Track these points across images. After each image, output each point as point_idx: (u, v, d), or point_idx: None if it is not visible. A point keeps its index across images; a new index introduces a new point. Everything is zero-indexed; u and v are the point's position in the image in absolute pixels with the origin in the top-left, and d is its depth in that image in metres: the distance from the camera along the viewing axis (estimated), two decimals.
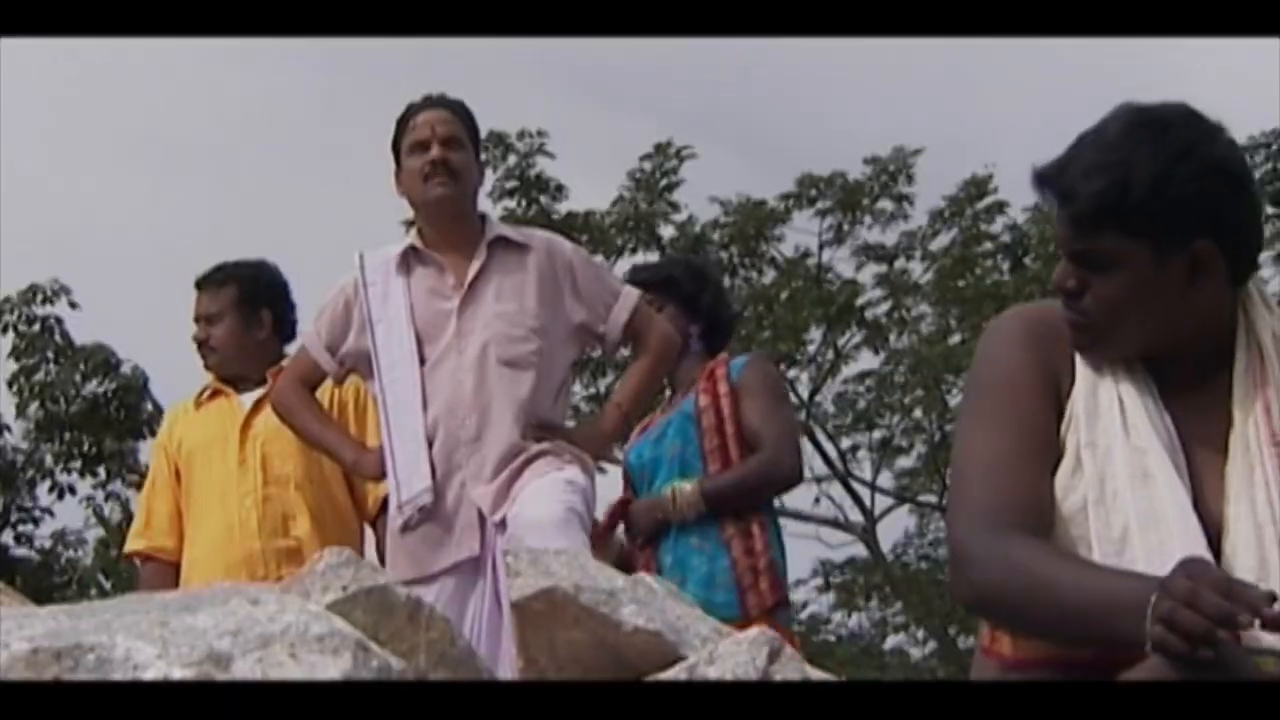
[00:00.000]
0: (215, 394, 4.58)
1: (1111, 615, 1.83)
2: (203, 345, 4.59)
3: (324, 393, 4.29)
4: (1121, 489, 2.01)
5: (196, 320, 4.61)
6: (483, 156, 4.27)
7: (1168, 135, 2.03)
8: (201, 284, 4.66)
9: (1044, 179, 2.09)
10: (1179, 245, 2.02)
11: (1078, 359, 2.12)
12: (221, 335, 4.58)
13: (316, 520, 4.36)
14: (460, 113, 4.09)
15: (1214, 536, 1.98)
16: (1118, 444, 2.03)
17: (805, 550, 18.12)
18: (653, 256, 15.74)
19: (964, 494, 2.07)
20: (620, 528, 4.44)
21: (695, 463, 4.32)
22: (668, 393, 4.61)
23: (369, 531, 4.49)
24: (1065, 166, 2.07)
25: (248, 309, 4.61)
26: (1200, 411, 2.07)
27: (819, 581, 19.57)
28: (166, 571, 4.44)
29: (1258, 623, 1.76)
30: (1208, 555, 1.92)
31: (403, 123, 4.08)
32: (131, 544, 4.60)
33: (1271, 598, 1.74)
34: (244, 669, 1.41)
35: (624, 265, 14.94)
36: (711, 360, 4.46)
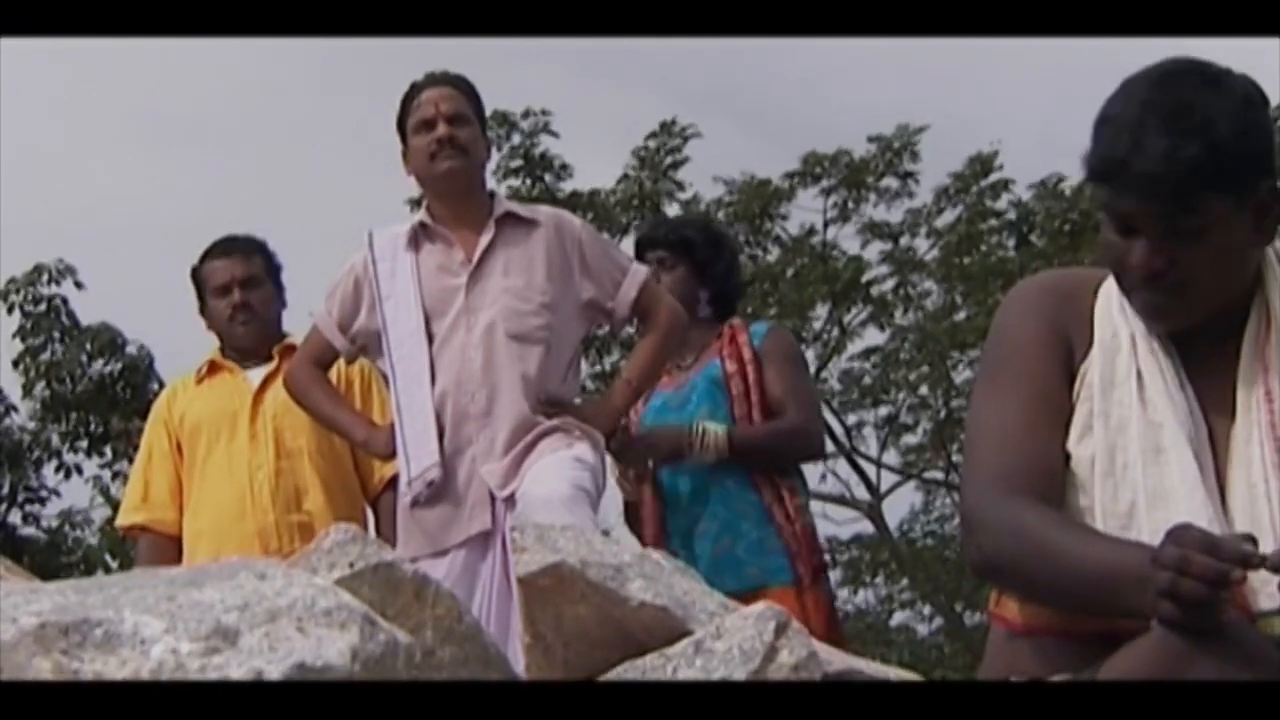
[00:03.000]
0: (216, 369, 4.55)
1: (1114, 585, 1.84)
2: (241, 309, 4.49)
3: (330, 371, 4.29)
4: (1133, 462, 2.01)
5: (227, 288, 4.50)
6: (488, 133, 4.27)
7: (1224, 87, 2.00)
8: (225, 250, 4.57)
9: (1115, 167, 2.00)
10: (1251, 192, 2.01)
11: (1096, 322, 2.12)
12: (263, 300, 4.55)
13: (329, 494, 4.36)
14: (465, 88, 4.09)
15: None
16: (1133, 416, 2.03)
17: None
18: None
19: (976, 459, 2.09)
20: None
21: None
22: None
23: (369, 512, 4.49)
24: (1136, 147, 1.98)
25: (274, 279, 4.61)
26: (1216, 374, 2.08)
27: (825, 558, 19.59)
28: (166, 544, 4.42)
29: (1259, 594, 1.76)
30: (1213, 530, 1.92)
31: (407, 101, 4.08)
32: (128, 517, 4.55)
33: (1250, 539, 1.76)
34: (251, 643, 1.41)
35: (629, 244, 14.95)
36: (721, 325, 4.43)
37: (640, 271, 4.09)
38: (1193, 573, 1.72)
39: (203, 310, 4.62)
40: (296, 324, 4.68)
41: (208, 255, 4.59)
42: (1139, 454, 2.01)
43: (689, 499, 4.27)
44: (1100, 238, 2.11)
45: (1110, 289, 2.14)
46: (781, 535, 4.20)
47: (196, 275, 4.61)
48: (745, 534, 4.19)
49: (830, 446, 17.44)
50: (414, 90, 4.08)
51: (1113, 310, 2.12)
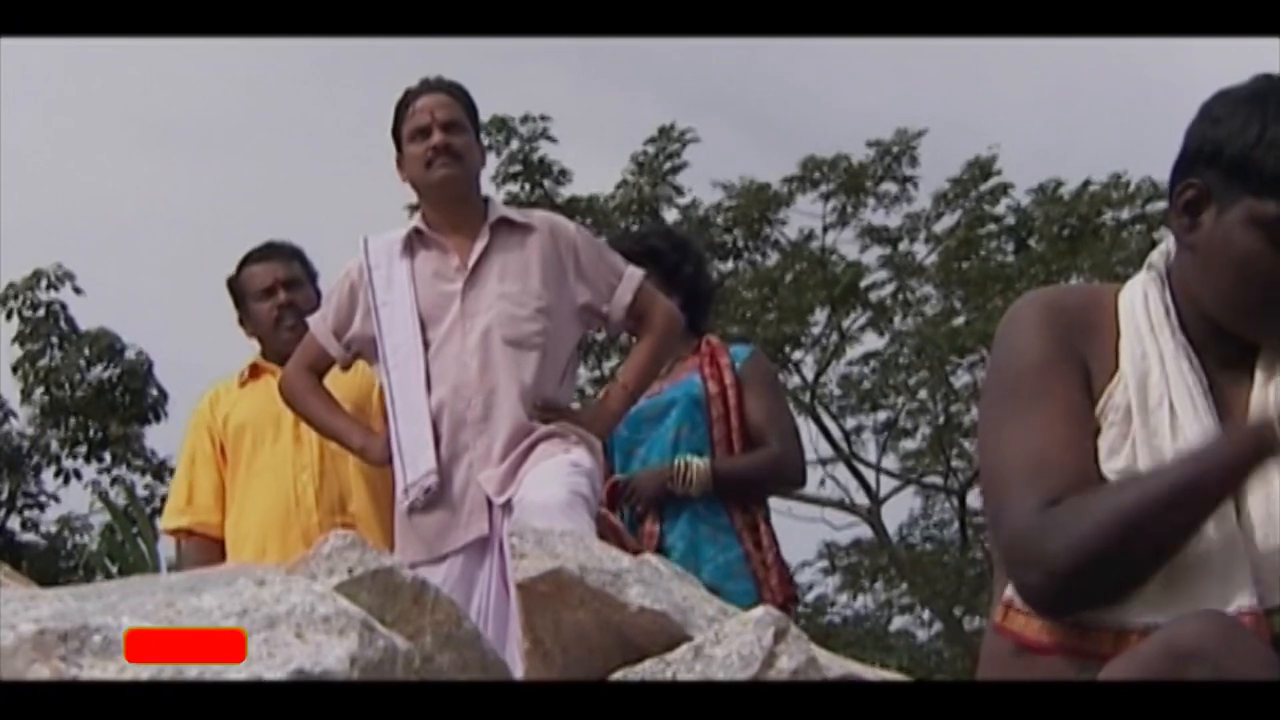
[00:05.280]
0: (258, 372, 4.54)
1: (1202, 469, 1.88)
2: (287, 310, 4.48)
3: (359, 379, 4.30)
4: None
5: (271, 290, 4.49)
6: (486, 141, 4.27)
7: None
8: (266, 255, 4.58)
9: None
10: None
11: (1123, 341, 2.06)
12: (308, 302, 4.51)
13: (373, 496, 4.33)
14: (459, 95, 4.09)
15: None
16: (1166, 446, 2.00)
17: (810, 532, 18.20)
18: None
19: (1012, 491, 2.00)
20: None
21: (703, 449, 4.29)
22: None
23: None
24: None
25: (313, 284, 4.60)
26: (1235, 378, 2.06)
27: (824, 563, 19.62)
28: (211, 548, 4.42)
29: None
30: (1245, 567, 1.91)
31: (402, 109, 4.07)
32: (174, 520, 4.53)
33: None
34: (250, 649, 1.41)
35: None
36: (698, 339, 4.42)
37: (635, 275, 4.07)
38: None
39: (241, 320, 4.62)
40: None
41: (247, 261, 4.60)
42: None
43: (662, 517, 4.28)
44: (1235, 256, 2.01)
45: (1134, 304, 2.10)
46: (749, 561, 4.20)
47: (233, 284, 4.61)
48: (711, 558, 4.18)
49: (829, 452, 17.48)
50: (408, 97, 4.08)
51: (1140, 327, 2.07)
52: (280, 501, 4.33)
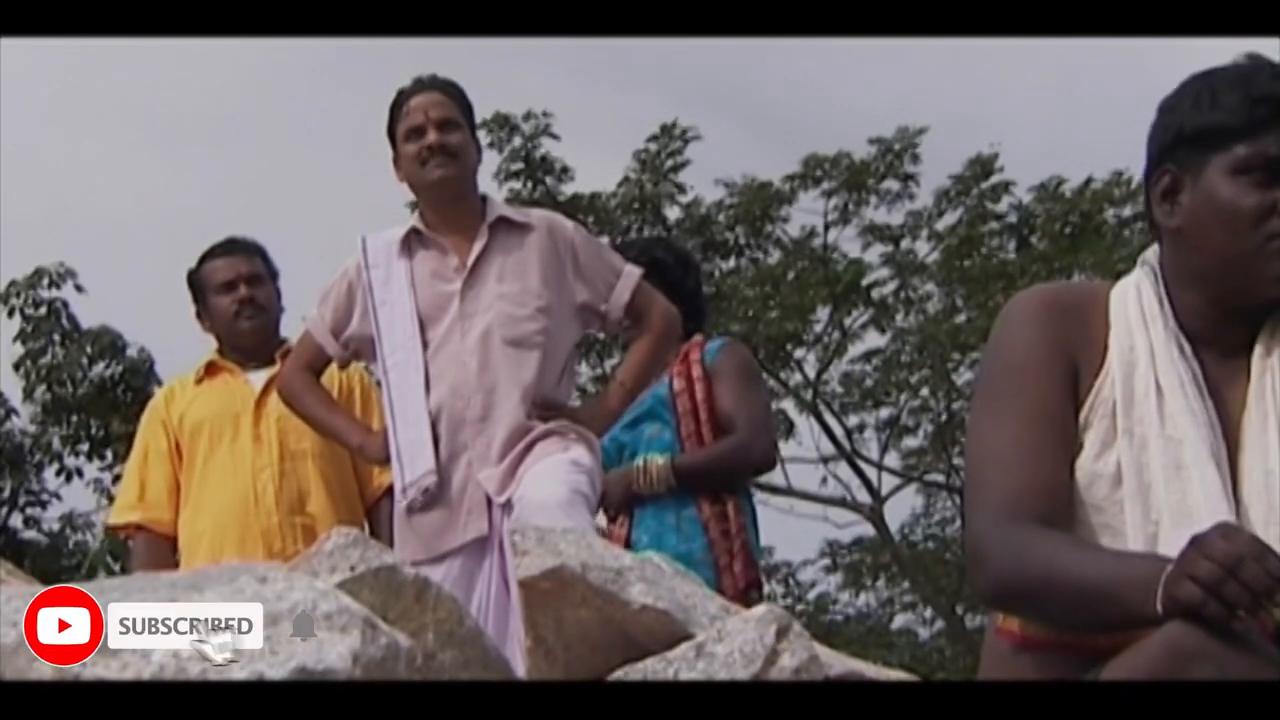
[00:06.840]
0: (215, 370, 4.53)
1: (1122, 593, 1.82)
2: (248, 304, 4.49)
3: (329, 378, 4.29)
4: (1155, 481, 2.00)
5: (232, 284, 4.49)
6: (485, 138, 4.28)
7: None
8: (228, 250, 4.57)
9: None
10: None
11: (1112, 335, 2.09)
12: (268, 297, 4.54)
13: (331, 497, 4.35)
14: (453, 93, 4.07)
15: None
16: (1153, 433, 2.01)
17: (812, 530, 18.20)
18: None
19: (980, 488, 2.06)
20: None
21: (675, 447, 4.32)
22: None
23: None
24: None
25: (274, 281, 4.60)
26: (1234, 367, 2.07)
27: (826, 561, 19.62)
28: (162, 544, 4.40)
29: None
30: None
31: (396, 109, 4.06)
32: (124, 516, 4.50)
33: None
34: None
35: None
36: (686, 343, 4.44)
37: (633, 274, 4.07)
38: (1244, 577, 1.71)
39: (199, 314, 4.61)
40: (294, 326, 4.67)
41: (208, 256, 4.59)
42: (1160, 471, 1.99)
43: (630, 516, 4.32)
44: (1219, 209, 2.05)
45: (1126, 298, 2.11)
46: (713, 550, 4.23)
47: (194, 278, 4.61)
48: (672, 547, 4.16)
49: (831, 449, 17.48)
50: (402, 97, 4.06)
51: (1130, 321, 2.09)
52: (239, 500, 4.31)
